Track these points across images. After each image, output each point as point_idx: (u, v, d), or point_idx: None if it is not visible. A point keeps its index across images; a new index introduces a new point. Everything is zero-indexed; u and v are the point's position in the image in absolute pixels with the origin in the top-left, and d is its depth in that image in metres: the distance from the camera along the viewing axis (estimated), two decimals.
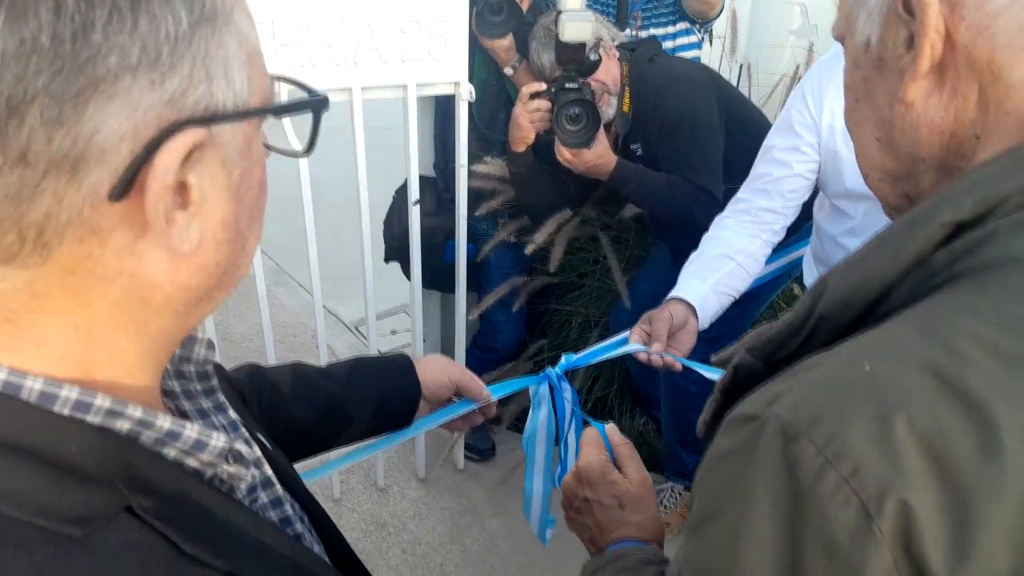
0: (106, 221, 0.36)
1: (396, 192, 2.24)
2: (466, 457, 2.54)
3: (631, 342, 1.37)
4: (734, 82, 2.55)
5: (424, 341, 2.41)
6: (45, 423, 0.37)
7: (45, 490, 0.35)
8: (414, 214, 2.02)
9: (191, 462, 0.43)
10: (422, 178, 2.06)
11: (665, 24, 2.40)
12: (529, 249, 2.03)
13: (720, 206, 1.86)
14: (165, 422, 0.41)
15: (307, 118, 0.48)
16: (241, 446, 0.47)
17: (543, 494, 1.19)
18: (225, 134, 0.40)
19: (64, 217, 0.35)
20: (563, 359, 1.21)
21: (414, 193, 2.00)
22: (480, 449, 2.54)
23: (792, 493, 0.41)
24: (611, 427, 0.94)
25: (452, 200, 2.07)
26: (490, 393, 1.02)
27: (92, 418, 0.38)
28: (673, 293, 1.48)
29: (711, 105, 1.88)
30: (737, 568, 0.44)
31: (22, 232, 0.34)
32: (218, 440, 0.44)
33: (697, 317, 1.44)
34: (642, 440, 2.53)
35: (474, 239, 2.21)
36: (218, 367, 0.66)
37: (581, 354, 1.27)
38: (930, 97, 0.49)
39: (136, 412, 0.40)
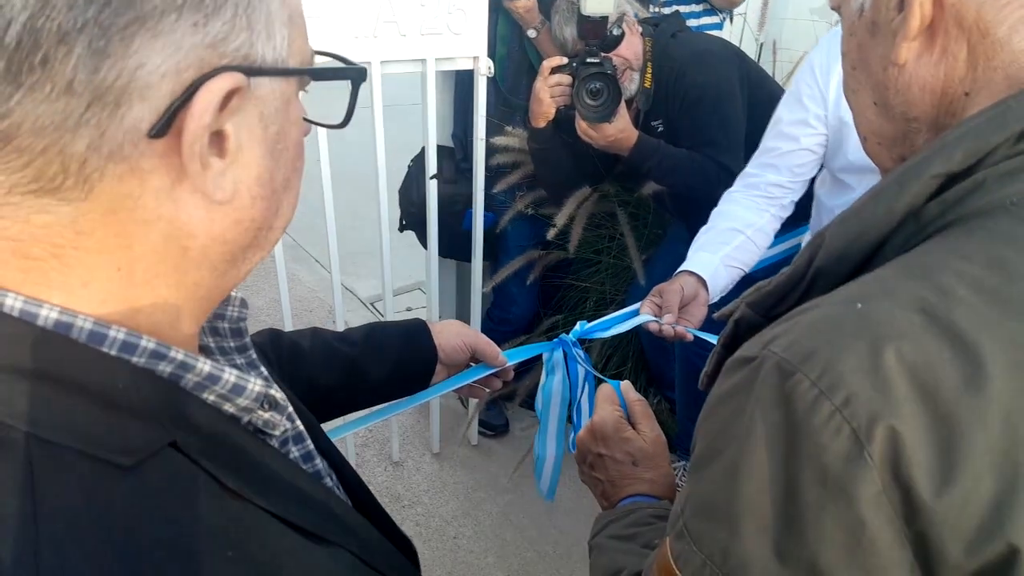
0: (146, 160, 0.37)
1: (412, 161, 2.24)
2: (480, 433, 2.56)
3: (642, 314, 1.37)
4: (756, 59, 2.52)
5: (439, 313, 2.42)
6: (94, 361, 0.38)
7: (95, 422, 0.37)
8: (431, 188, 2.02)
9: (229, 407, 0.45)
10: (440, 147, 2.06)
11: (688, 2, 2.37)
12: (551, 234, 2.02)
13: None
14: (206, 365, 0.42)
15: (334, 96, 0.49)
16: (276, 392, 0.48)
17: (556, 456, 1.20)
18: (264, 88, 0.41)
19: (105, 151, 0.36)
20: (578, 326, 1.21)
21: (431, 168, 2.00)
22: (494, 425, 2.56)
23: (788, 425, 0.43)
24: (626, 384, 0.94)
25: (471, 169, 2.07)
26: (506, 358, 1.02)
27: (137, 359, 0.40)
28: (684, 266, 1.49)
29: (733, 82, 1.86)
30: (736, 500, 0.46)
31: (65, 163, 0.35)
32: (255, 384, 0.45)
33: (707, 289, 1.44)
34: (656, 420, 2.53)
35: (494, 208, 2.21)
36: None
37: (594, 323, 1.26)
38: (921, 57, 0.51)
39: (178, 355, 0.41)
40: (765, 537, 0.45)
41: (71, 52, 0.33)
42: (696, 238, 1.58)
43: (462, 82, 2.20)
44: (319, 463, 0.58)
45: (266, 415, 0.47)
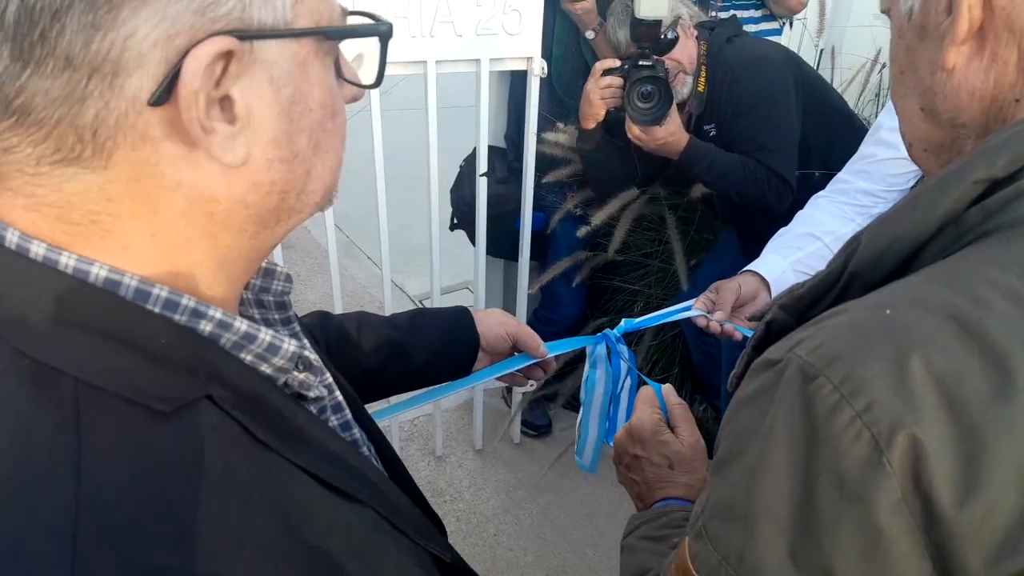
0: (153, 128, 0.39)
1: (464, 161, 2.27)
2: (523, 432, 2.57)
3: (695, 308, 1.36)
4: (814, 66, 2.48)
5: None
6: (139, 318, 0.41)
7: (137, 372, 0.40)
8: (481, 187, 2.04)
9: (265, 368, 0.47)
10: (492, 148, 2.08)
11: (748, 8, 2.35)
12: (582, 232, 2.01)
13: (793, 191, 1.82)
14: (243, 324, 0.45)
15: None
16: (310, 354, 0.50)
17: (597, 437, 1.21)
18: (270, 51, 0.42)
19: (112, 120, 0.38)
20: (623, 323, 1.21)
21: (482, 166, 2.02)
22: (537, 425, 2.57)
23: (808, 429, 0.43)
24: (668, 388, 0.94)
25: (522, 170, 2.09)
26: (547, 349, 1.03)
27: (179, 317, 0.42)
28: (749, 266, 1.45)
29: (789, 87, 1.84)
30: (754, 503, 0.46)
31: (80, 133, 0.38)
32: (290, 344, 0.47)
33: (770, 293, 1.41)
34: (701, 428, 2.50)
35: (545, 208, 2.22)
36: None
37: (642, 319, 1.26)
38: (971, 62, 0.50)
39: (217, 314, 0.44)
40: (781, 540, 0.44)
41: (64, 28, 0.35)
42: (773, 238, 1.54)
43: (516, 83, 2.22)
44: (357, 433, 0.60)
45: (301, 376, 0.50)
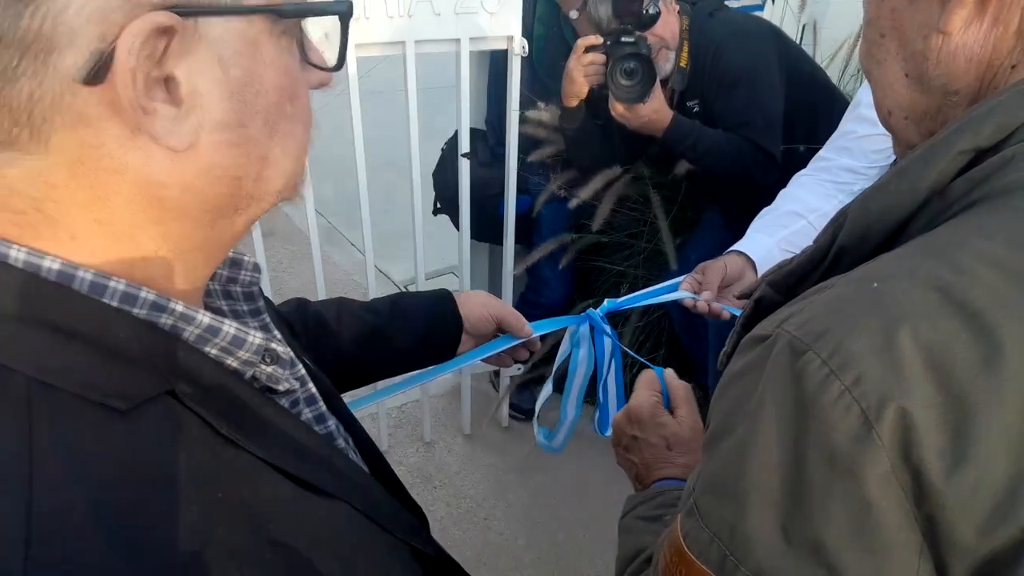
0: (91, 109, 0.37)
1: (446, 144, 2.24)
2: (510, 416, 2.56)
3: (682, 289, 1.35)
4: (797, 41, 2.47)
5: None
6: (95, 311, 0.39)
7: (94, 369, 0.38)
8: (464, 168, 2.02)
9: (231, 361, 0.45)
10: (473, 131, 2.05)
11: None
12: (573, 203, 2.00)
13: (778, 166, 1.82)
14: (205, 318, 0.43)
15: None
16: (277, 346, 0.48)
17: (573, 418, 1.22)
18: (216, 29, 0.40)
19: (48, 101, 0.36)
20: (606, 303, 1.20)
21: (464, 146, 2.00)
22: (524, 408, 2.56)
23: (797, 403, 0.42)
24: (670, 372, 0.94)
25: (505, 153, 2.07)
26: (532, 329, 1.02)
27: (138, 311, 0.40)
28: (735, 246, 1.45)
29: (772, 61, 1.83)
30: (744, 478, 0.45)
31: (14, 115, 0.36)
32: (255, 337, 0.46)
33: (756, 272, 1.40)
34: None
35: (529, 191, 2.20)
36: (267, 300, 0.68)
37: (625, 298, 1.24)
38: (970, 26, 0.48)
39: (178, 307, 0.42)
40: (771, 515, 0.44)
41: None
42: (757, 218, 1.54)
43: (496, 65, 2.19)
44: (332, 425, 0.58)
45: (268, 369, 0.48)
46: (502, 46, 1.93)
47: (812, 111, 1.91)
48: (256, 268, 0.55)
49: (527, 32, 1.97)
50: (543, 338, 1.06)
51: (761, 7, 2.42)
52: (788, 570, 0.44)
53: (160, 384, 0.40)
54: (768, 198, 1.97)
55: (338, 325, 0.87)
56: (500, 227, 2.20)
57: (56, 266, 0.39)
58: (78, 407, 0.37)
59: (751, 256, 1.41)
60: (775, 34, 1.92)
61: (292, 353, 0.52)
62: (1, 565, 0.32)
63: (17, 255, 0.38)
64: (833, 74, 2.24)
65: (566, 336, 1.17)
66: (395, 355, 0.92)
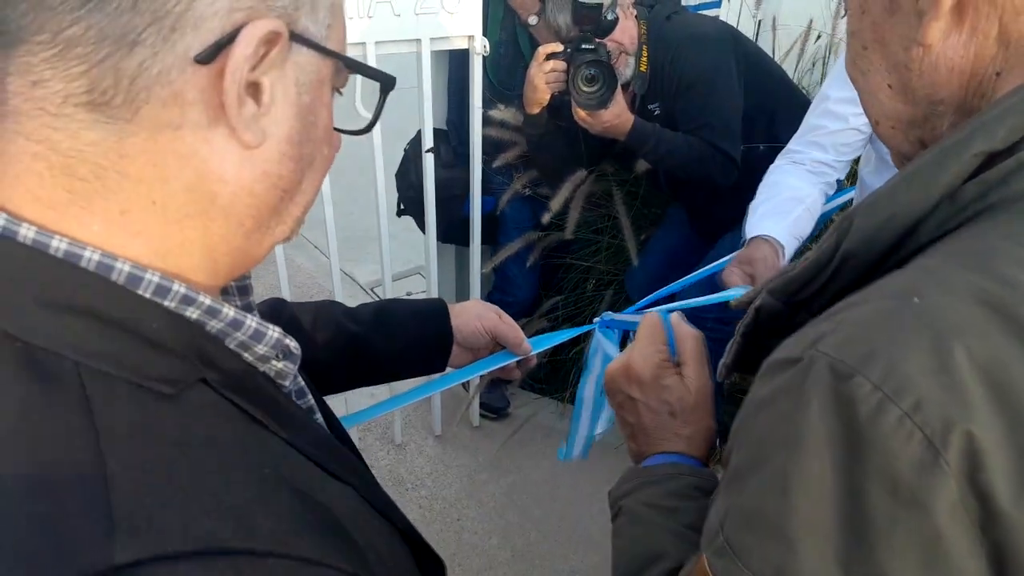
0: (189, 90, 0.40)
1: (409, 144, 2.23)
2: (481, 415, 2.57)
3: (731, 284, 1.28)
4: (753, 38, 2.50)
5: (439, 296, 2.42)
6: (131, 303, 0.41)
7: (136, 355, 0.40)
8: (428, 167, 2.01)
9: (248, 356, 0.47)
10: (436, 131, 2.04)
11: None
12: (546, 218, 2.02)
13: (737, 167, 1.85)
14: (230, 311, 0.45)
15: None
16: (291, 342, 0.51)
17: (587, 435, 1.13)
18: (302, 57, 0.44)
19: (155, 71, 0.39)
20: (627, 312, 1.10)
21: (428, 142, 1.99)
22: (495, 407, 2.57)
23: (848, 432, 0.40)
24: (677, 316, 0.81)
25: (467, 154, 2.07)
26: (530, 346, 0.97)
27: (168, 303, 0.42)
28: (758, 232, 1.41)
29: (729, 63, 1.86)
30: (791, 513, 0.43)
31: (118, 77, 0.38)
32: (274, 331, 0.48)
33: (782, 258, 1.39)
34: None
35: (493, 192, 2.21)
36: None
37: (669, 305, 1.07)
38: (948, 37, 0.48)
39: (206, 300, 0.44)
40: (827, 552, 0.42)
41: None
42: (753, 208, 1.51)
43: (456, 67, 2.19)
44: (319, 419, 0.60)
45: (279, 365, 0.50)
46: (463, 45, 1.93)
47: (771, 110, 1.94)
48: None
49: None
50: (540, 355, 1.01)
51: (718, 4, 2.45)
52: None
53: (194, 371, 0.42)
54: (729, 198, 2.01)
55: (312, 329, 0.86)
56: (465, 228, 2.20)
57: (96, 257, 0.40)
58: (128, 390, 0.39)
59: (780, 241, 1.39)
60: (732, 35, 1.94)
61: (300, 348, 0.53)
62: (93, 535, 0.34)
63: (59, 245, 0.40)
64: (789, 69, 2.28)
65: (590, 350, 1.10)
66: (374, 364, 0.90)
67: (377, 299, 3.29)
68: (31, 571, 0.33)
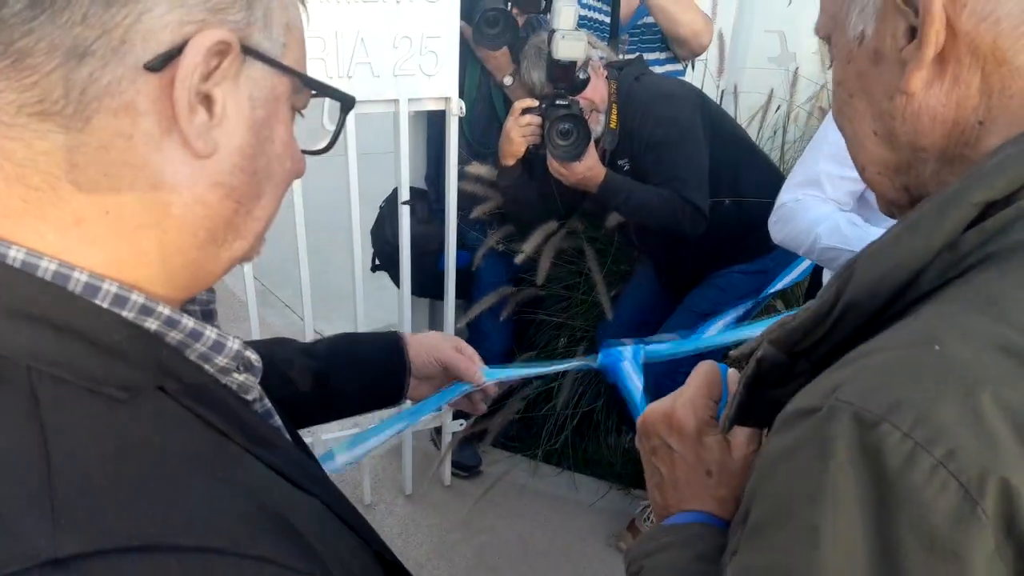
0: (140, 100, 0.41)
1: (385, 201, 2.27)
2: (453, 474, 2.53)
3: None
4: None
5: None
6: (88, 312, 0.41)
7: (92, 362, 0.40)
8: (404, 220, 2.04)
9: (208, 368, 0.47)
10: (413, 189, 2.09)
11: (653, 50, 2.47)
12: (520, 258, 2.06)
13: (706, 218, 1.91)
14: (189, 322, 0.45)
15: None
16: (251, 354, 0.50)
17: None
18: (256, 71, 0.45)
19: (104, 82, 0.39)
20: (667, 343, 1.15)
21: (404, 195, 2.03)
22: (467, 465, 2.54)
23: (878, 483, 0.39)
24: (734, 373, 0.75)
25: (444, 210, 2.11)
26: (483, 376, 0.98)
27: (127, 313, 0.42)
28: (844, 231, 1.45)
29: (696, 121, 1.94)
30: (819, 569, 0.41)
31: (68, 87, 0.39)
32: (233, 343, 0.48)
33: None
34: (628, 457, 2.54)
35: (468, 247, 2.24)
36: None
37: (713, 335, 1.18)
38: (931, 87, 0.49)
39: (165, 311, 0.44)
40: None
41: None
42: (848, 227, 1.47)
43: (434, 125, 2.25)
44: (288, 438, 0.59)
45: (241, 378, 0.50)
46: (440, 107, 1.99)
47: (735, 167, 2.02)
48: (211, 289, 0.56)
49: (461, 95, 2.04)
50: (501, 384, 1.01)
51: (683, 72, 2.57)
52: None
53: (152, 380, 0.42)
54: (695, 252, 2.06)
55: (270, 367, 0.83)
56: (439, 282, 2.22)
57: (53, 267, 0.40)
58: (80, 395, 0.39)
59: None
60: (698, 96, 2.04)
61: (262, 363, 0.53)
62: (30, 534, 0.34)
63: (16, 255, 0.40)
64: (751, 135, 2.39)
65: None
66: (332, 400, 0.89)
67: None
68: None
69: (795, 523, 0.43)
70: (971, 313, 0.43)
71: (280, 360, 0.86)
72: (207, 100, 0.43)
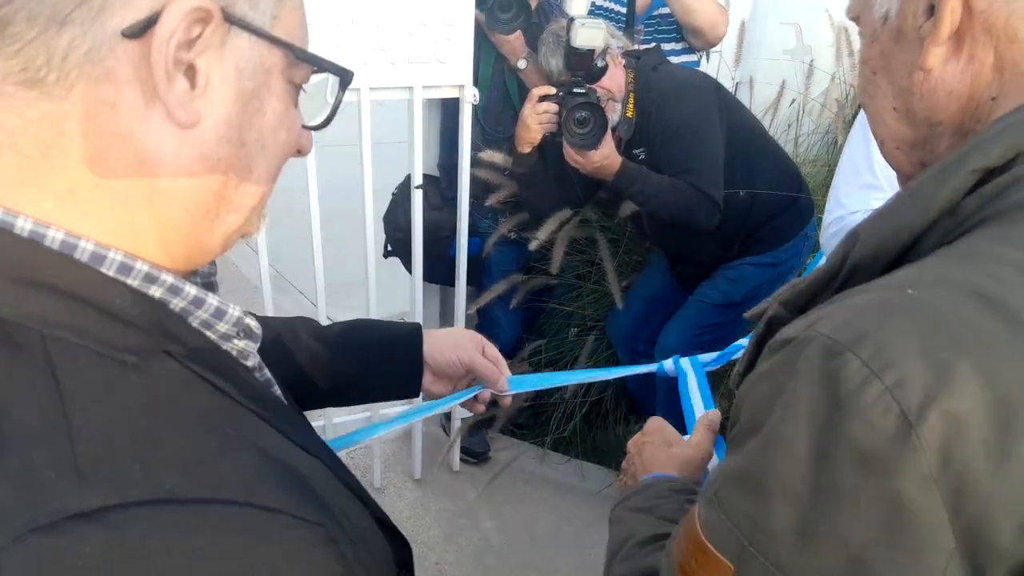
0: (120, 68, 0.41)
1: (397, 188, 2.28)
2: (462, 460, 2.55)
3: None
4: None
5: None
6: (95, 280, 0.42)
7: (102, 328, 0.42)
8: (416, 205, 2.05)
9: (210, 334, 0.48)
10: (425, 176, 2.10)
11: (668, 40, 2.46)
12: (533, 245, 2.07)
13: (720, 209, 1.91)
14: (192, 289, 0.46)
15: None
16: (251, 321, 0.52)
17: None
18: (242, 42, 0.45)
19: (84, 49, 0.40)
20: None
21: (417, 195, 2.04)
22: (476, 452, 2.56)
23: (831, 402, 0.43)
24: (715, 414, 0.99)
25: (456, 198, 2.12)
26: (507, 385, 0.95)
27: (132, 281, 0.44)
28: None
29: (713, 112, 1.93)
30: (768, 473, 0.46)
31: (50, 55, 0.39)
32: (234, 310, 0.49)
33: None
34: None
35: (480, 234, 2.25)
36: None
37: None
38: (947, 63, 0.52)
39: (168, 278, 0.45)
40: (794, 510, 0.44)
41: None
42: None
43: (448, 112, 2.26)
44: (287, 406, 0.61)
45: (241, 344, 0.51)
46: (454, 95, 1.99)
47: (750, 158, 2.02)
48: (212, 263, 0.57)
49: (474, 82, 2.05)
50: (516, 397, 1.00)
51: (698, 63, 2.56)
52: (808, 564, 0.44)
53: (158, 344, 0.44)
54: (708, 243, 2.06)
55: (272, 347, 0.82)
56: (451, 268, 2.23)
57: (60, 236, 0.41)
58: (93, 359, 0.40)
59: None
60: (715, 87, 2.03)
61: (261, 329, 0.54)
62: (58, 490, 0.35)
63: (24, 224, 0.41)
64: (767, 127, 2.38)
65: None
66: (334, 385, 0.88)
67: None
68: (1, 520, 0.34)
69: (760, 433, 0.47)
70: (949, 264, 0.46)
71: (288, 341, 0.85)
72: (190, 70, 0.43)
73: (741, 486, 0.49)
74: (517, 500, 2.41)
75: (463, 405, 0.98)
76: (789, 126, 2.70)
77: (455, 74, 1.95)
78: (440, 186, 2.29)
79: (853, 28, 0.63)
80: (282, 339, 0.85)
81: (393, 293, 3.15)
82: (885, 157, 0.62)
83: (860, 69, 0.60)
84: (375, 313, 2.15)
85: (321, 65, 0.50)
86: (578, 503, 2.42)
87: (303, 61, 0.49)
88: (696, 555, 0.51)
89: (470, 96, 1.97)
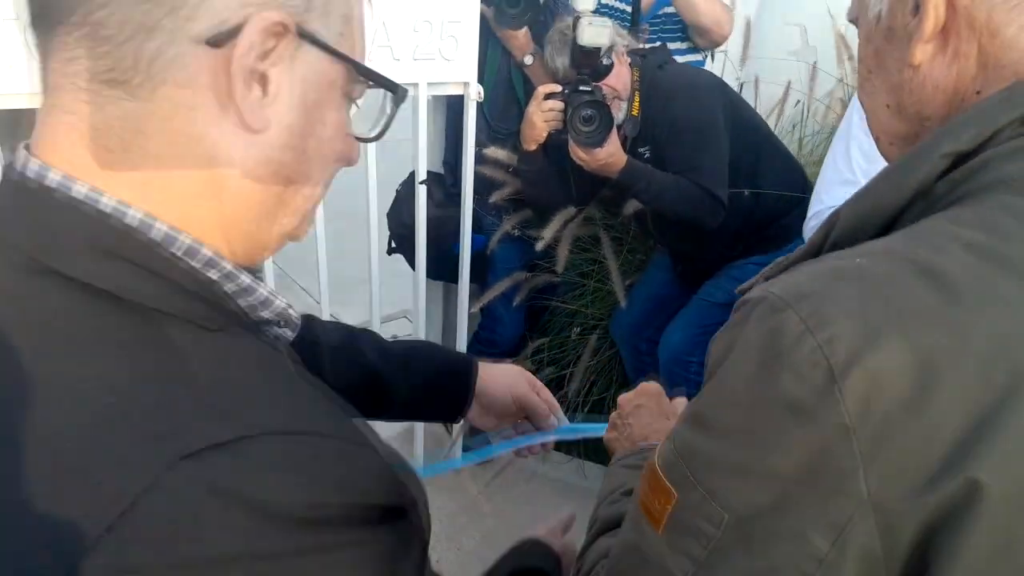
0: (201, 74, 0.44)
1: (401, 185, 2.28)
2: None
3: None
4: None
5: (426, 336, 2.43)
6: (167, 257, 0.46)
7: (181, 299, 0.46)
8: (421, 200, 2.05)
9: (254, 316, 0.52)
10: (430, 173, 2.09)
11: (673, 40, 2.46)
12: (540, 246, 2.07)
13: (725, 209, 1.91)
14: (246, 278, 0.49)
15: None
16: (293, 312, 0.55)
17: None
18: (311, 56, 0.48)
19: (170, 54, 0.43)
20: None
21: (421, 191, 2.04)
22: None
23: (771, 353, 0.46)
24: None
25: (460, 194, 2.11)
26: (555, 423, 0.98)
27: (196, 264, 0.47)
28: None
29: (718, 111, 1.93)
30: (713, 411, 0.51)
31: (137, 58, 0.43)
32: (281, 301, 0.52)
33: None
34: None
35: (484, 231, 2.25)
36: None
37: None
38: (935, 59, 0.54)
39: (227, 266, 0.48)
40: (731, 446, 0.49)
41: None
42: None
43: (452, 109, 2.26)
44: None
45: (280, 331, 0.55)
46: (459, 92, 1.99)
47: (755, 158, 2.02)
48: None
49: (479, 80, 2.04)
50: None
51: (703, 63, 2.56)
52: (740, 495, 0.48)
53: (226, 316, 0.48)
54: (712, 242, 2.05)
55: (332, 355, 0.87)
56: (455, 265, 2.23)
57: (139, 215, 0.45)
58: (184, 324, 0.45)
59: None
60: (721, 86, 2.03)
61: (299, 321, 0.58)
62: (196, 427, 0.40)
63: (108, 202, 0.44)
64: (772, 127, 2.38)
65: None
66: (385, 401, 0.92)
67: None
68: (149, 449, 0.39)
69: (713, 377, 0.52)
70: (899, 239, 0.49)
71: (351, 349, 0.90)
72: (263, 79, 0.46)
73: (691, 421, 0.53)
74: (519, 499, 2.41)
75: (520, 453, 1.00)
76: (794, 127, 2.70)
77: (460, 71, 1.94)
78: (445, 183, 2.29)
79: (851, 32, 0.65)
80: (345, 349, 0.89)
81: (395, 290, 3.15)
82: (882, 152, 0.64)
83: (859, 68, 0.63)
84: (378, 310, 2.15)
85: (378, 81, 0.54)
86: (580, 502, 2.40)
87: (362, 77, 0.52)
88: (650, 480, 0.55)
89: (475, 94, 1.97)
